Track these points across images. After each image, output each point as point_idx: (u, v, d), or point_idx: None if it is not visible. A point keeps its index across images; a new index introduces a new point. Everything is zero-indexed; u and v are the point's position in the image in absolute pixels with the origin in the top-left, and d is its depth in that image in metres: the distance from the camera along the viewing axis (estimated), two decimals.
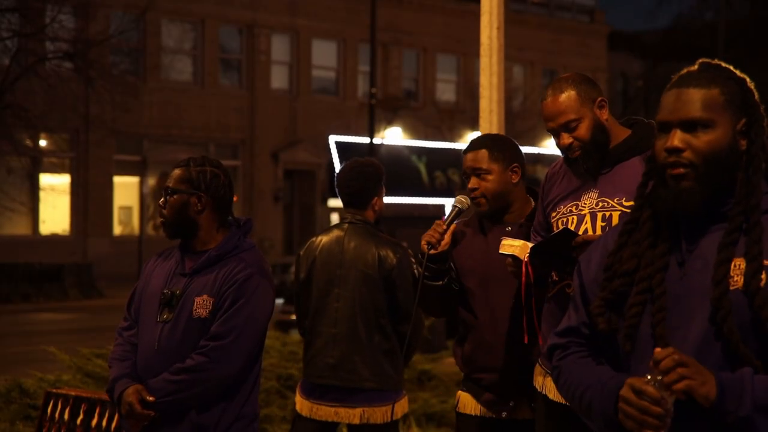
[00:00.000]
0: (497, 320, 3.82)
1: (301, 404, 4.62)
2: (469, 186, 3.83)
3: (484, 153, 3.82)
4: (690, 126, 2.18)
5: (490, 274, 3.79)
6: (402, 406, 4.59)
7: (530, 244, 3.39)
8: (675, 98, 2.22)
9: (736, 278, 2.13)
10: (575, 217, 3.44)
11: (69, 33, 20.17)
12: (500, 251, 3.45)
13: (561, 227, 3.44)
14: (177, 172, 3.49)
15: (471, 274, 3.86)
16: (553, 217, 3.54)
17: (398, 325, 4.52)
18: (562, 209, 3.51)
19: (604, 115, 3.47)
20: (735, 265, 2.14)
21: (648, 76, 37.76)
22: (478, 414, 3.88)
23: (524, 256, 3.36)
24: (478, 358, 3.89)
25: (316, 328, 4.58)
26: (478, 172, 3.81)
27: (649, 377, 2.03)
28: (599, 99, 3.46)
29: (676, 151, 2.18)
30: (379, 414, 4.49)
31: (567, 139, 3.44)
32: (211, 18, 27.27)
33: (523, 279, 3.38)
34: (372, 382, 4.48)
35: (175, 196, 3.46)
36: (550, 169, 3.72)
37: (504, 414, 3.83)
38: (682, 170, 2.17)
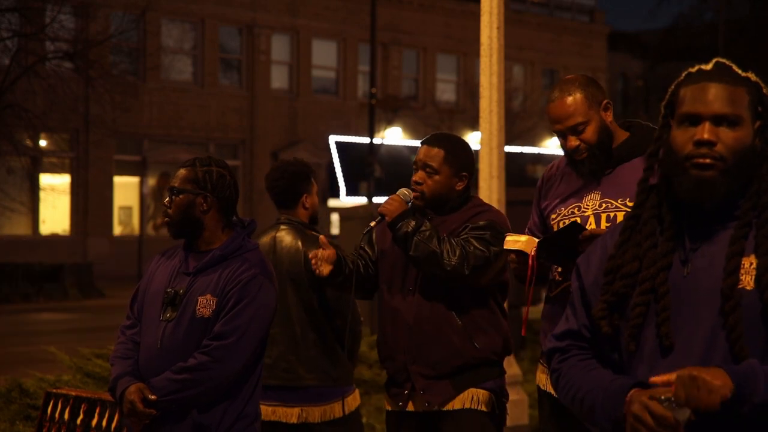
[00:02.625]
0: (396, 308, 3.87)
1: None
2: (414, 178, 3.86)
3: (439, 153, 3.85)
4: (719, 121, 2.19)
5: (398, 260, 3.85)
6: (347, 404, 4.55)
7: (534, 239, 3.39)
8: (704, 92, 2.21)
9: (743, 277, 2.13)
10: (578, 218, 3.44)
11: (69, 33, 20.15)
12: (504, 247, 3.46)
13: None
14: (183, 171, 3.49)
15: (383, 258, 3.94)
16: (553, 219, 3.55)
17: (332, 321, 4.52)
18: (564, 210, 3.52)
19: (609, 117, 3.50)
20: (743, 264, 2.14)
21: (648, 76, 37.78)
22: (389, 408, 3.96)
23: (530, 250, 3.36)
24: (380, 344, 3.97)
25: None
26: (427, 169, 3.84)
27: (663, 397, 2.04)
28: (605, 101, 3.49)
29: (708, 143, 2.17)
30: (317, 412, 4.47)
31: (574, 141, 3.46)
32: (211, 18, 27.27)
33: (529, 273, 3.37)
34: (309, 380, 4.48)
35: (180, 196, 3.45)
36: (546, 171, 3.74)
37: (400, 404, 3.87)
38: (709, 161, 2.16)
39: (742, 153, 2.18)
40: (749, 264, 2.14)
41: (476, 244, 3.70)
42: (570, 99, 3.44)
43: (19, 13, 18.21)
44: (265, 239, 4.63)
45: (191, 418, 3.34)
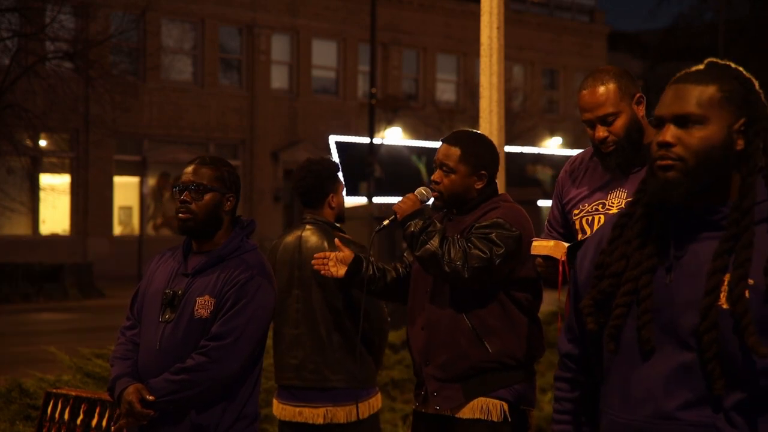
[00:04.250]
0: (415, 309, 3.87)
1: (275, 406, 4.66)
2: (433, 177, 3.85)
3: (456, 151, 3.81)
4: (683, 121, 2.17)
5: None
6: (370, 405, 4.56)
7: (562, 244, 3.31)
8: (672, 94, 2.20)
9: (722, 295, 2.10)
10: (602, 216, 3.36)
11: (69, 33, 20.14)
12: (531, 252, 3.38)
13: (585, 225, 3.38)
14: (206, 170, 3.46)
15: (414, 260, 3.92)
16: (576, 215, 3.46)
17: (357, 322, 4.51)
18: (587, 207, 3.43)
19: (641, 111, 3.39)
20: (723, 281, 2.10)
21: (648, 76, 37.76)
22: (413, 408, 3.96)
23: (560, 255, 3.27)
24: (408, 342, 3.96)
25: (279, 330, 4.59)
26: (443, 168, 3.81)
27: None
28: (638, 95, 3.39)
29: (666, 145, 2.16)
30: (342, 413, 4.47)
31: (602, 132, 3.36)
32: (211, 18, 27.27)
33: (560, 278, 3.28)
34: (335, 381, 4.48)
35: (209, 195, 3.43)
36: (568, 164, 3.63)
37: (417, 404, 3.87)
38: (669, 162, 2.15)
39: (707, 152, 2.14)
40: (728, 279, 2.10)
41: (478, 244, 3.63)
42: (602, 88, 3.35)
43: (19, 13, 18.20)
44: (290, 238, 4.62)
45: (189, 418, 3.34)
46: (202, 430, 3.35)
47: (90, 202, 25.26)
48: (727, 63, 2.25)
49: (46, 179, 24.84)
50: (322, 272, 3.90)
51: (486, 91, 6.20)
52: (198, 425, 3.34)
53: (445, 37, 31.67)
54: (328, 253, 3.86)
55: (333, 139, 28.75)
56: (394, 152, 28.72)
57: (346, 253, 3.83)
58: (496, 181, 4.03)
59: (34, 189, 24.29)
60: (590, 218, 3.41)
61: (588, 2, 37.08)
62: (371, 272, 3.92)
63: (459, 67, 32.67)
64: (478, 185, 3.80)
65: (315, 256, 3.91)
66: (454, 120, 29.17)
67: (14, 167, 20.09)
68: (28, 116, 17.65)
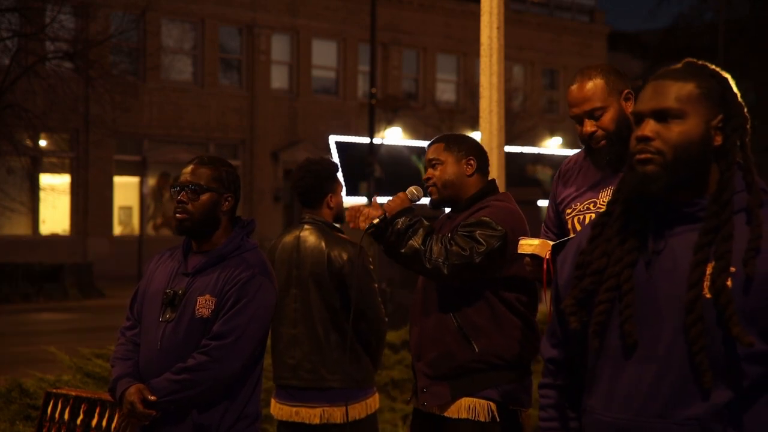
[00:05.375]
0: (412, 305, 3.91)
1: (272, 406, 4.67)
2: (425, 176, 3.92)
3: (440, 145, 3.92)
4: (662, 116, 2.19)
5: None
6: (368, 405, 4.56)
7: (548, 242, 3.31)
8: (651, 90, 2.24)
9: (705, 285, 2.11)
10: (593, 215, 3.36)
11: (69, 33, 20.14)
12: (518, 251, 3.39)
13: (577, 225, 3.39)
14: (204, 170, 3.46)
15: None
16: (568, 214, 3.47)
17: (355, 323, 4.51)
18: (579, 206, 3.45)
19: (630, 107, 3.40)
20: (705, 271, 2.12)
21: (648, 76, 37.74)
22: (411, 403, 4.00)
23: (545, 254, 3.27)
24: (409, 338, 4.01)
25: (277, 330, 4.60)
26: (432, 163, 3.90)
27: None
28: (626, 91, 3.42)
29: (645, 139, 2.19)
30: (339, 413, 4.48)
31: (590, 126, 3.38)
32: (211, 18, 27.27)
33: (544, 277, 3.27)
34: (332, 381, 4.49)
35: (206, 195, 3.44)
36: (563, 165, 3.65)
37: (408, 399, 3.93)
38: (648, 155, 2.17)
39: (686, 147, 2.17)
40: (710, 271, 2.12)
41: (459, 242, 3.64)
42: (590, 84, 3.38)
43: (19, 13, 18.19)
44: (289, 238, 4.63)
45: (191, 418, 3.34)
46: (204, 430, 3.35)
47: (90, 202, 25.26)
48: (704, 63, 2.28)
49: (46, 179, 24.84)
50: (351, 225, 3.91)
51: (486, 91, 6.20)
52: (200, 425, 3.34)
53: (445, 37, 31.67)
54: (362, 208, 3.84)
55: (333, 139, 28.75)
56: (394, 152, 28.72)
57: (377, 213, 3.80)
58: (495, 179, 4.04)
59: (34, 189, 24.29)
60: (582, 217, 3.42)
61: (588, 2, 37.08)
62: (392, 237, 3.84)
63: (459, 67, 32.67)
64: (468, 171, 3.87)
65: (350, 208, 3.90)
66: (454, 120, 29.17)
67: (14, 167, 20.08)
68: (28, 116, 17.64)
